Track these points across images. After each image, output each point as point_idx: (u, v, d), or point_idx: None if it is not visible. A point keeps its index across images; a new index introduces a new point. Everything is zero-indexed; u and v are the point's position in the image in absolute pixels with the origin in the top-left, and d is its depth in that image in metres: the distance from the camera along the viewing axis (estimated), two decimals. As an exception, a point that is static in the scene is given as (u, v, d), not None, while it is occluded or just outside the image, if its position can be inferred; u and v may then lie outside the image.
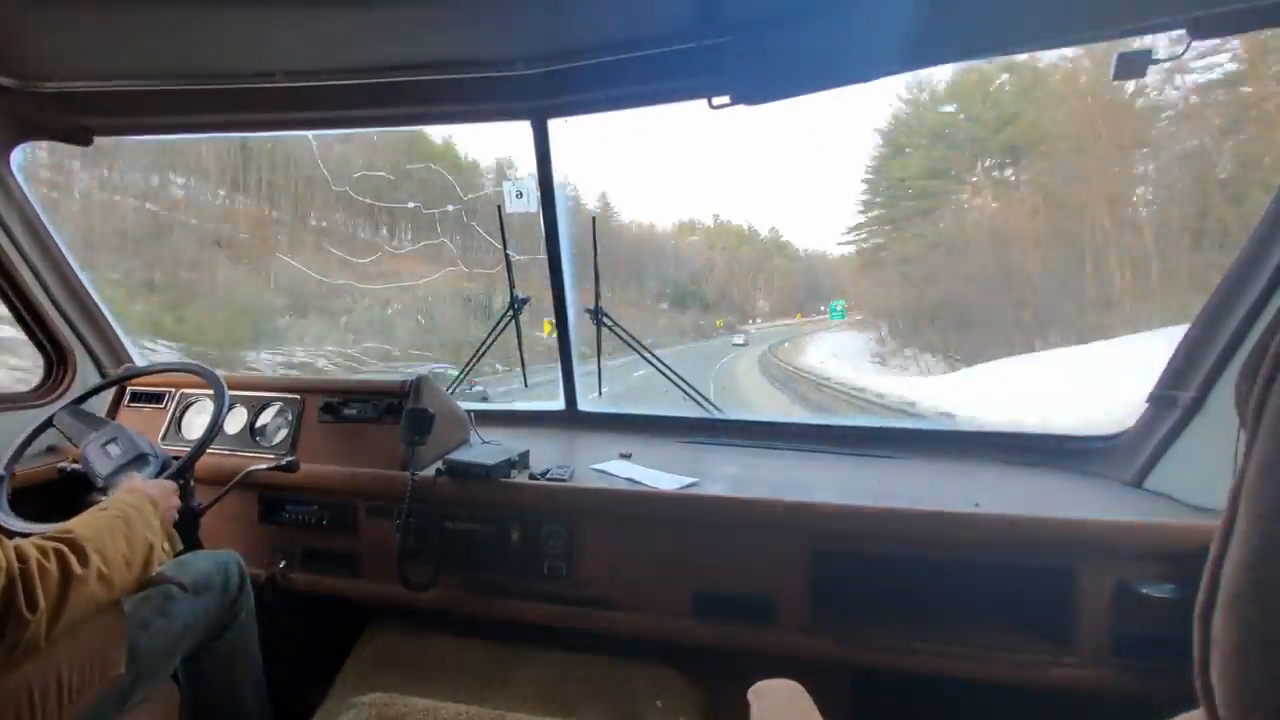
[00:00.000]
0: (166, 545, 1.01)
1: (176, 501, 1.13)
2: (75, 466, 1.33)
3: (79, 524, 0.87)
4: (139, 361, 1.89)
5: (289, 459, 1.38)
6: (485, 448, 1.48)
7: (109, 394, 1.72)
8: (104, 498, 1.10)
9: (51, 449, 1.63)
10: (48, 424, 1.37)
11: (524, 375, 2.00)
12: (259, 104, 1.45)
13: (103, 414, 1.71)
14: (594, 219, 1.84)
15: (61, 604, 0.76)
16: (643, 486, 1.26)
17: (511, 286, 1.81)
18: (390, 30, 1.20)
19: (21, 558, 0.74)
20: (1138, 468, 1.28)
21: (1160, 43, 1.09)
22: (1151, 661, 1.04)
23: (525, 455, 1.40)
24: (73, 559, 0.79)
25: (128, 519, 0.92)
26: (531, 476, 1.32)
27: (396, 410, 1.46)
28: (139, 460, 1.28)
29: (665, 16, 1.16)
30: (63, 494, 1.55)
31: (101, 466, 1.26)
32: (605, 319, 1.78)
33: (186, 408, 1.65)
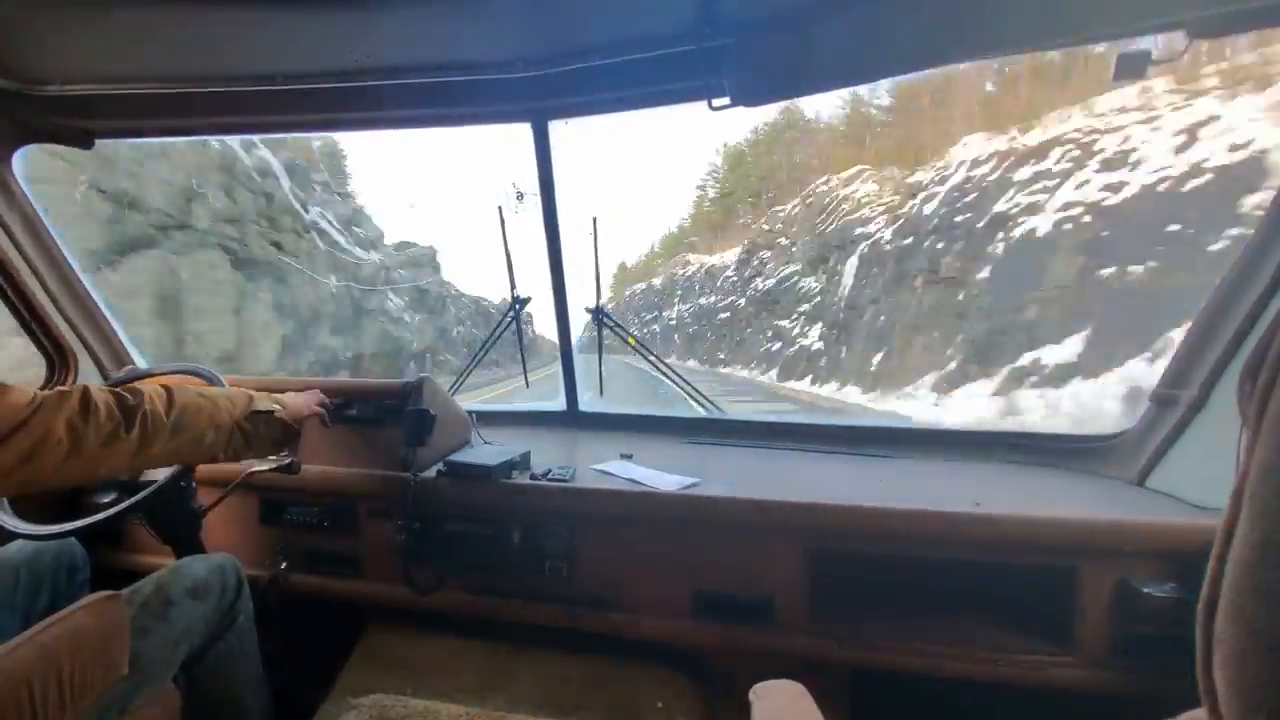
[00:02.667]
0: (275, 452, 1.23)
1: (318, 408, 1.30)
2: None
3: (184, 391, 1.02)
4: (140, 363, 1.90)
5: (290, 460, 1.38)
6: (487, 448, 1.48)
7: None
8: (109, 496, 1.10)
9: None
10: None
11: (525, 375, 2.01)
12: (259, 106, 1.45)
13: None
14: (594, 219, 1.84)
15: (146, 442, 0.92)
16: (644, 487, 1.26)
17: (512, 286, 1.81)
18: (390, 32, 1.20)
19: (139, 394, 0.94)
20: (1139, 467, 1.28)
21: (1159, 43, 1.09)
22: (1153, 661, 1.03)
23: (526, 456, 1.40)
24: (172, 401, 0.98)
25: (215, 401, 1.05)
26: (533, 477, 1.32)
27: (397, 411, 1.46)
28: None
29: (665, 17, 1.16)
30: (63, 494, 1.55)
31: None
32: (605, 319, 1.78)
33: None
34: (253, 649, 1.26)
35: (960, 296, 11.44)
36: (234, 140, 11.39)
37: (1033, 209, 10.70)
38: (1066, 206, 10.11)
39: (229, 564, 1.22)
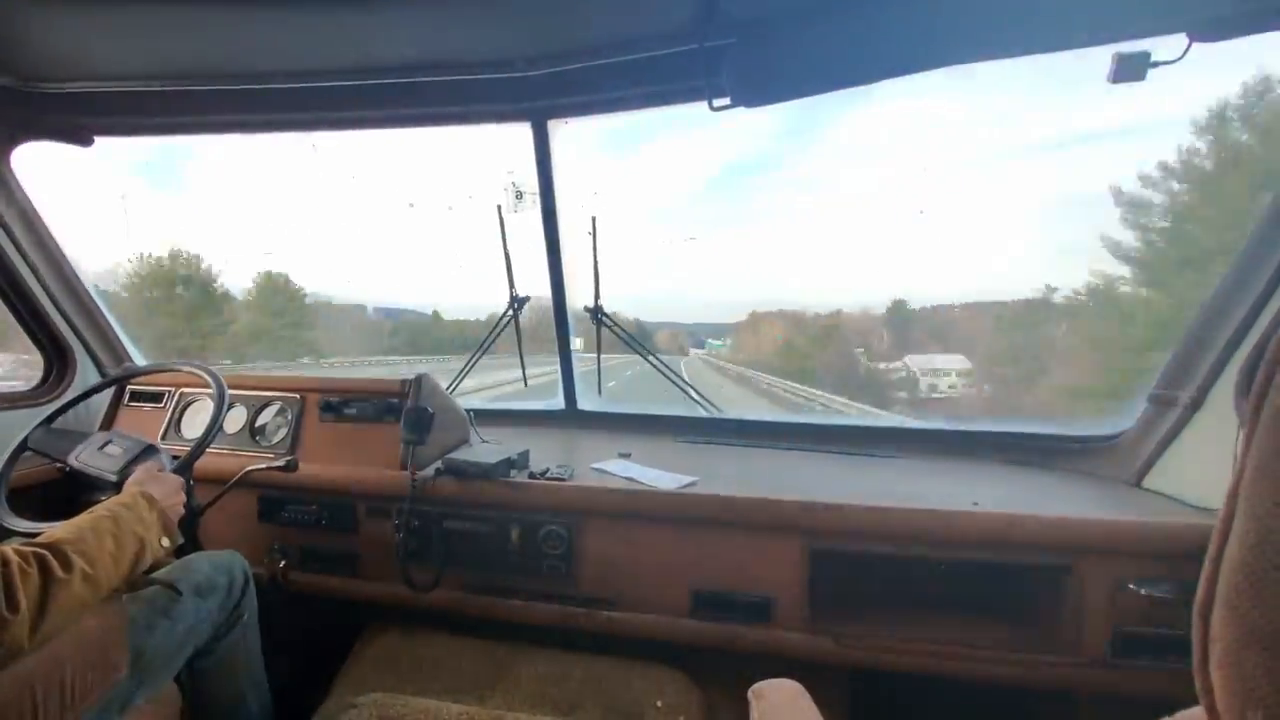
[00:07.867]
0: (166, 541, 1.00)
1: (182, 497, 1.11)
2: (76, 467, 1.29)
3: (63, 528, 0.87)
4: (138, 361, 1.89)
5: (288, 458, 1.38)
6: (485, 447, 1.49)
7: (109, 393, 1.72)
8: (106, 494, 1.09)
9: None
10: (23, 447, 1.33)
11: (524, 375, 2.00)
12: (259, 105, 1.45)
13: (102, 413, 1.71)
14: (594, 218, 1.84)
15: (44, 606, 0.76)
16: (642, 486, 1.26)
17: (511, 286, 1.81)
18: (390, 31, 1.20)
19: (2, 561, 0.74)
20: (1137, 467, 1.28)
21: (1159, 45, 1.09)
22: (1149, 660, 1.04)
23: (525, 454, 1.40)
24: (54, 563, 0.79)
25: (116, 517, 0.92)
26: (531, 476, 1.32)
27: (396, 410, 1.46)
28: (147, 451, 1.27)
29: (666, 17, 1.16)
30: (64, 493, 1.55)
31: (110, 465, 1.23)
32: (604, 319, 1.79)
33: (186, 407, 1.65)
34: (256, 648, 1.26)
35: None
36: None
37: None
38: None
39: (235, 561, 1.22)
